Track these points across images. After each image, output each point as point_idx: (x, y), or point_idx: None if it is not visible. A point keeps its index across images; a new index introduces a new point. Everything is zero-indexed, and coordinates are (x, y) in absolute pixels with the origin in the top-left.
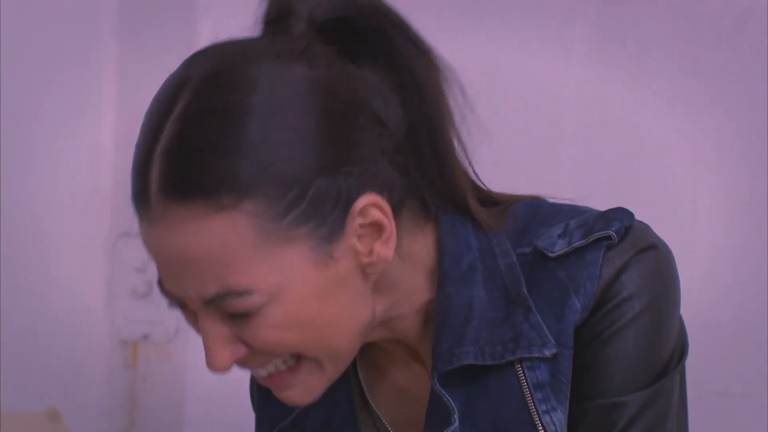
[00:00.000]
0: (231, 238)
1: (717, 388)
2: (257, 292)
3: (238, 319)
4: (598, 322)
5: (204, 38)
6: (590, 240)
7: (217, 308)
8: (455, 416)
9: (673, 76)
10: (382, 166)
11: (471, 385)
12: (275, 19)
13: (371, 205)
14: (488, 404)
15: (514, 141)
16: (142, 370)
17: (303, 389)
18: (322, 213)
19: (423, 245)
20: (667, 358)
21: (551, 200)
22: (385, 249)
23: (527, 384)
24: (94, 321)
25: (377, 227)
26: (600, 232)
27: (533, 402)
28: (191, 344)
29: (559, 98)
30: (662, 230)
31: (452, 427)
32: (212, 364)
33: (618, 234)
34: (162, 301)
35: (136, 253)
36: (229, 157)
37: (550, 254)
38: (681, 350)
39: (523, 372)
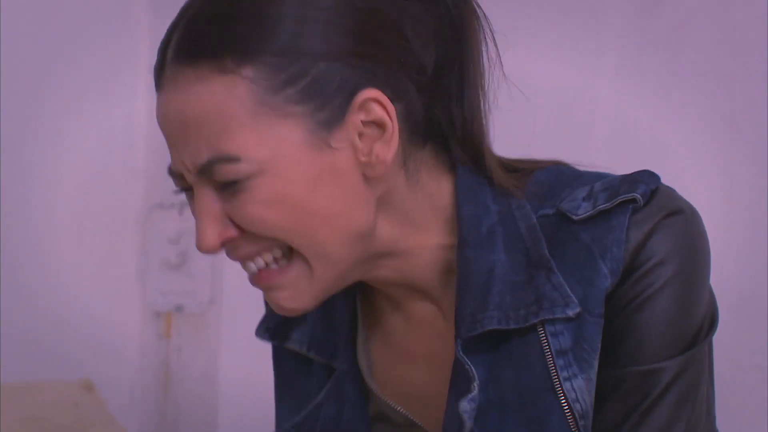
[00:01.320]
0: (228, 102)
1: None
2: (246, 160)
3: (229, 191)
4: (629, 288)
5: None
6: (616, 203)
7: (210, 180)
8: (475, 383)
9: (704, 88)
10: (397, 76)
11: (494, 351)
12: None
13: (373, 101)
14: (511, 370)
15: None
16: (175, 341)
17: (292, 292)
18: (323, 96)
19: (442, 188)
20: (698, 326)
21: (575, 166)
22: (384, 150)
23: (550, 350)
24: (128, 292)
25: (380, 126)
26: (626, 195)
27: (555, 368)
28: (225, 315)
29: (591, 110)
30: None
31: (471, 395)
32: (201, 241)
33: (644, 197)
34: (196, 272)
35: (170, 224)
36: (240, 24)
37: (574, 217)
38: (711, 319)
39: (546, 338)
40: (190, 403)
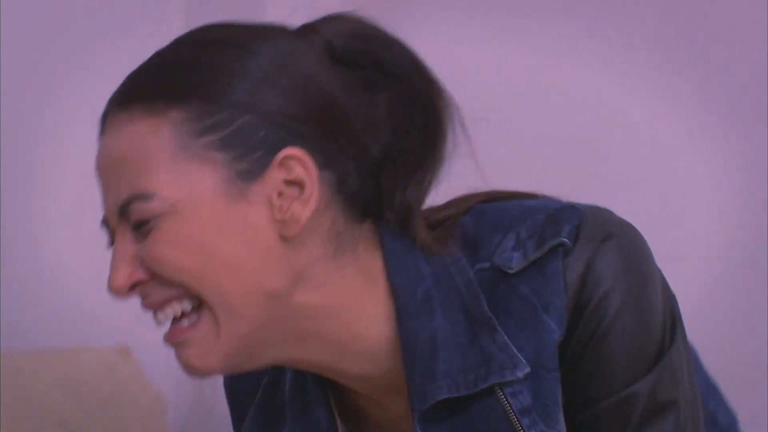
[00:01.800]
0: (151, 142)
1: None
2: (158, 199)
3: (142, 230)
4: (582, 331)
5: None
6: (545, 251)
7: (128, 220)
8: None
9: (696, 86)
10: (332, 146)
11: (453, 418)
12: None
13: (295, 159)
14: None
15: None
16: None
17: (199, 350)
18: (244, 147)
19: (378, 261)
20: (660, 336)
21: (500, 194)
22: (300, 209)
23: (512, 410)
24: None
25: (300, 186)
26: (552, 241)
27: (522, 428)
28: None
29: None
30: (687, 238)
31: None
32: (110, 281)
33: (570, 237)
34: None
35: None
36: (175, 71)
37: (509, 270)
38: (672, 319)
39: (506, 398)
40: None
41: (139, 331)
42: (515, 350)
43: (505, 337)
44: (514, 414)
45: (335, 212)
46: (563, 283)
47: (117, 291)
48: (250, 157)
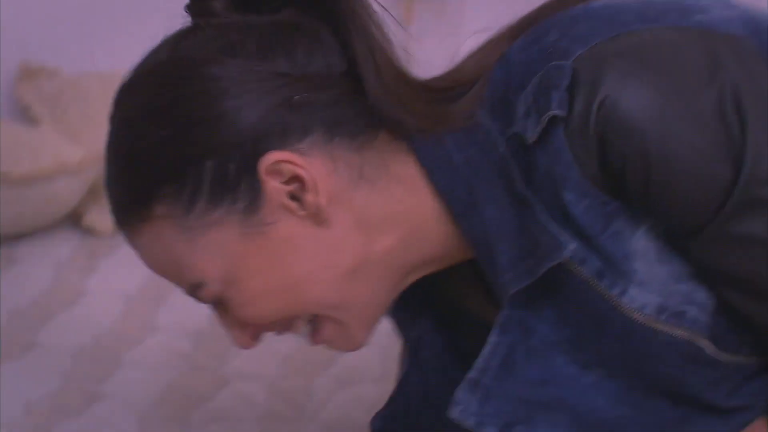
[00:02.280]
0: (164, 242)
1: None
2: (209, 282)
3: (223, 306)
4: (634, 184)
5: None
6: (544, 125)
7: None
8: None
9: None
10: (288, 117)
11: (541, 301)
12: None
13: (275, 163)
14: (569, 308)
15: None
16: None
17: (342, 342)
18: (230, 189)
19: (409, 166)
20: (724, 135)
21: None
22: (314, 197)
23: (588, 277)
24: None
25: (298, 180)
26: (546, 114)
27: (605, 289)
28: None
29: None
30: None
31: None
32: (238, 345)
33: (562, 105)
34: None
35: None
36: (130, 176)
37: (527, 140)
38: (736, 104)
39: (577, 268)
40: None
41: None
42: (554, 229)
43: (543, 216)
44: (595, 279)
45: (345, 158)
46: (571, 156)
47: (246, 347)
48: (240, 193)
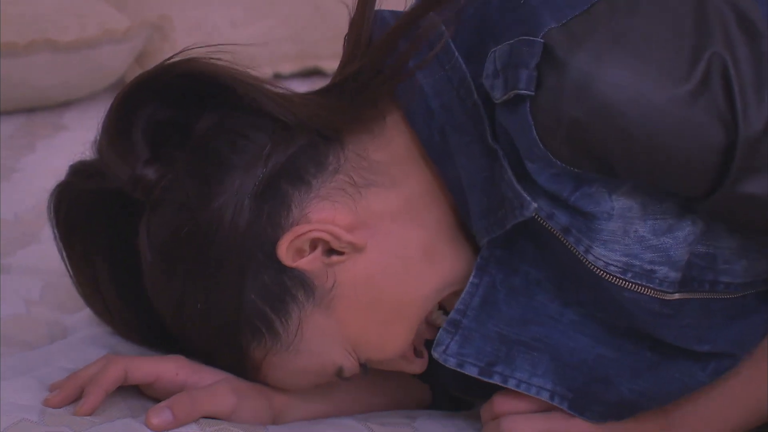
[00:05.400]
0: (285, 369)
1: None
2: (342, 363)
3: (370, 363)
4: (615, 158)
5: None
6: (511, 97)
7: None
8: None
9: None
10: (263, 211)
11: (517, 246)
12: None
13: (289, 248)
14: (547, 252)
15: None
16: None
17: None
18: (282, 295)
19: (394, 136)
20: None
21: None
22: (340, 240)
23: (557, 232)
24: None
25: (317, 240)
26: (512, 89)
27: (572, 245)
28: None
29: None
30: None
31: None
32: (420, 370)
33: (529, 85)
34: None
35: None
36: (216, 353)
37: (494, 99)
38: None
39: (545, 222)
40: None
41: None
42: (519, 187)
43: (509, 172)
44: (561, 234)
45: (332, 188)
46: (535, 133)
47: (425, 365)
48: (291, 289)
